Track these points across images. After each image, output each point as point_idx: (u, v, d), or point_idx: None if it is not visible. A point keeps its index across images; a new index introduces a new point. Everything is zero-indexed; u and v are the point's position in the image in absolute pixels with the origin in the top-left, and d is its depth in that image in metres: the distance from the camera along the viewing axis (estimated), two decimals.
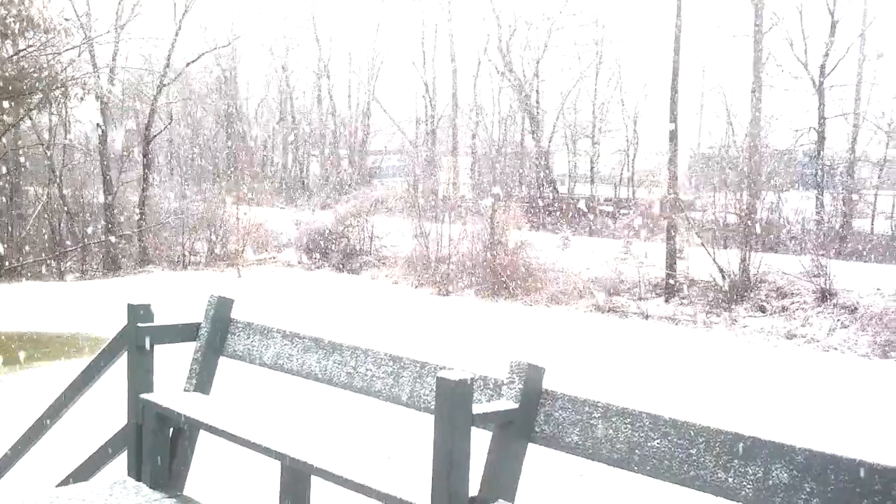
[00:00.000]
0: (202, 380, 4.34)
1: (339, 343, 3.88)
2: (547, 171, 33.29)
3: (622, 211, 30.43)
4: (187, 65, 30.53)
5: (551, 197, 32.64)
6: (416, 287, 20.68)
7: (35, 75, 15.36)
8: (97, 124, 26.84)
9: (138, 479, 4.25)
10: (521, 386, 3.06)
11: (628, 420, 2.81)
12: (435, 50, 37.30)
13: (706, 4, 24.25)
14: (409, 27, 37.88)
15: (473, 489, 2.93)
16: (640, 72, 34.47)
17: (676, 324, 16.63)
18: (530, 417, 3.05)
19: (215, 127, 41.16)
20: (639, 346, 14.00)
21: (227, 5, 33.01)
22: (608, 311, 17.54)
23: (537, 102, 34.41)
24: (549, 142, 34.87)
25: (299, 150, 44.00)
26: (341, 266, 23.34)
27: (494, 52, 34.33)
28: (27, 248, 25.37)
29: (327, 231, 24.03)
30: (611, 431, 2.85)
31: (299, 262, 24.35)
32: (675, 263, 18.36)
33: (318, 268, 23.68)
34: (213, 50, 32.64)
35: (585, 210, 30.32)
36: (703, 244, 18.12)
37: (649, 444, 2.73)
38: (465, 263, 20.50)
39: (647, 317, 17.04)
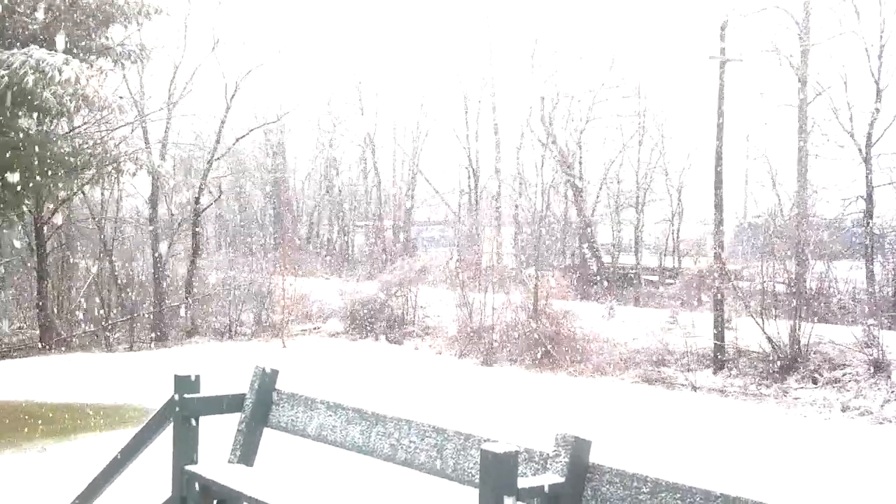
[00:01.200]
0: (246, 451, 4.34)
1: (383, 414, 3.86)
2: (591, 241, 33.22)
3: (668, 280, 30.15)
4: (237, 140, 31.28)
5: (595, 267, 32.49)
6: (460, 357, 20.58)
7: (89, 151, 15.79)
8: (148, 199, 27.50)
9: None
10: (567, 459, 3.01)
11: (678, 496, 2.74)
12: (478, 122, 37.82)
13: (749, 72, 24.28)
14: (453, 100, 38.50)
15: None
16: (684, 140, 34.48)
17: (726, 396, 16.27)
18: (577, 492, 2.99)
19: (263, 200, 41.92)
20: (687, 419, 13.69)
21: (275, 81, 33.85)
22: (655, 383, 17.24)
23: (580, 173, 34.54)
24: (593, 211, 34.87)
25: (344, 222, 44.53)
26: (385, 336, 23.37)
27: (537, 123, 34.69)
28: (78, 319, 25.80)
29: (371, 301, 24.13)
30: None
31: (344, 333, 24.42)
32: (723, 333, 18.05)
33: (362, 338, 23.72)
34: (262, 126, 33.46)
35: (630, 280, 30.08)
36: (751, 314, 17.82)
37: None
38: (508, 334, 20.39)
39: (695, 388, 16.70)
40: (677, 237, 34.75)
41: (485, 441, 3.19)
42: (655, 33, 35.92)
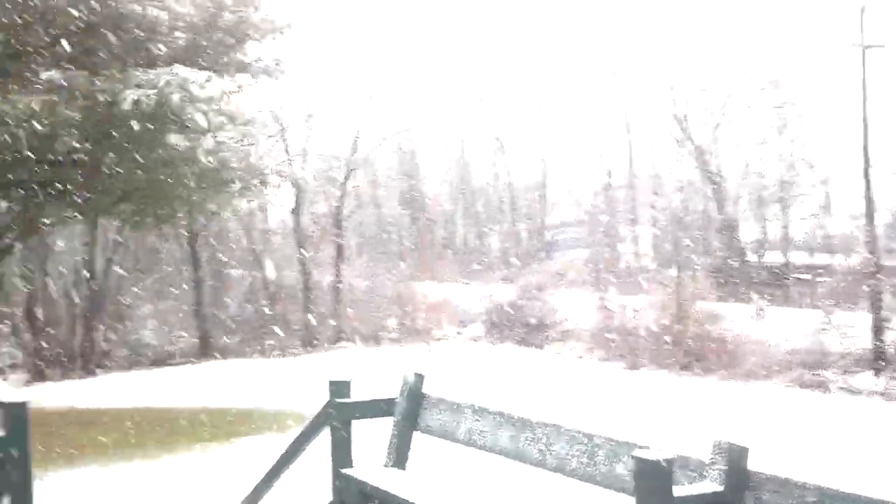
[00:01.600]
0: (399, 455, 4.46)
1: (530, 419, 3.87)
2: (733, 239, 32.07)
3: (818, 278, 28.75)
4: (372, 149, 32.03)
5: (740, 265, 31.34)
6: (602, 361, 20.31)
7: (234, 165, 16.55)
8: (292, 209, 28.53)
9: None
10: (724, 467, 2.94)
11: None
12: (610, 120, 37.26)
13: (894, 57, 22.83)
14: (585, 100, 38.07)
15: None
16: (828, 131, 32.78)
17: (889, 399, 15.37)
18: (737, 501, 2.91)
19: (399, 206, 42.71)
20: (848, 424, 13.02)
21: (408, 88, 34.42)
22: (811, 386, 16.47)
23: (718, 168, 33.43)
24: (734, 208, 33.67)
25: (479, 226, 44.78)
26: (524, 340, 23.34)
27: (671, 119, 33.82)
28: (232, 327, 27.06)
29: (510, 305, 24.16)
30: None
31: (484, 337, 24.57)
32: (882, 333, 17.06)
33: (501, 342, 23.79)
34: (396, 133, 34.10)
35: (778, 278, 28.87)
36: None
37: None
38: (652, 337, 19.96)
39: (854, 392, 15.85)
40: (826, 232, 33.08)
41: (637, 448, 3.15)
42: (793, 21, 34.28)
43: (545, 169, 41.37)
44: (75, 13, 11.85)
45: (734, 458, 2.96)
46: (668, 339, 19.42)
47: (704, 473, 3.02)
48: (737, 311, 21.35)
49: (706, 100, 33.31)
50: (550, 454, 3.71)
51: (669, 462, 2.78)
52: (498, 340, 23.94)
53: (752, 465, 3.02)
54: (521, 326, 23.68)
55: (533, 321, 23.68)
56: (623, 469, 3.36)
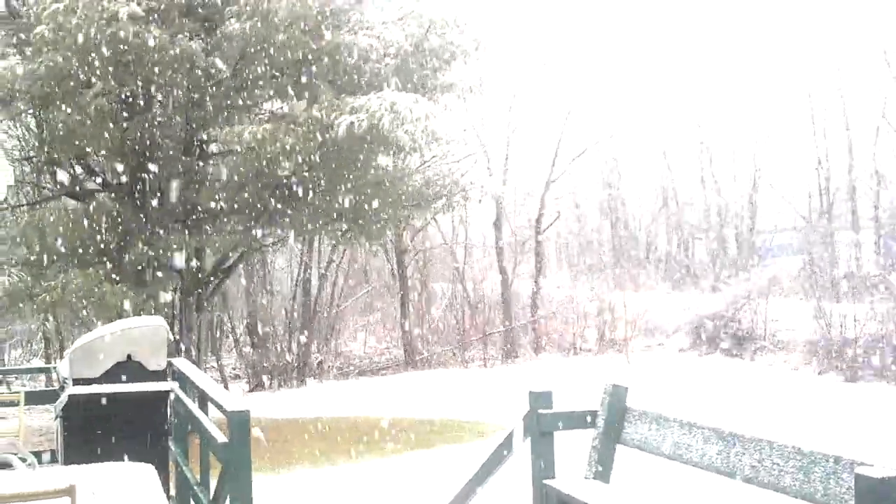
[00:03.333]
0: (602, 467, 4.41)
1: (741, 434, 3.72)
2: None
3: None
4: (572, 160, 31.91)
5: None
6: (819, 374, 19.09)
7: (439, 183, 17.04)
8: (493, 223, 28.95)
9: None
10: None
11: None
12: (826, 118, 35.05)
13: None
14: (797, 98, 36.06)
15: None
16: None
17: None
18: None
19: (599, 217, 42.23)
20: None
21: (608, 98, 34.07)
22: None
23: None
24: None
25: (683, 234, 43.41)
26: (734, 352, 22.35)
27: (894, 116, 31.35)
28: (436, 339, 27.81)
29: (717, 315, 23.24)
30: None
31: (689, 348, 23.78)
32: None
33: (708, 354, 22.92)
34: (596, 144, 33.79)
35: None
36: None
37: None
38: (874, 346, 18.53)
39: None
40: None
41: (859, 465, 2.95)
42: None
43: (756, 172, 39.54)
44: (294, 44, 12.68)
45: None
46: (892, 349, 17.96)
47: None
48: None
49: None
50: (763, 469, 3.55)
51: (894, 481, 2.59)
52: (705, 352, 23.08)
53: None
54: (729, 337, 22.71)
55: (742, 331, 22.64)
56: (842, 487, 3.16)
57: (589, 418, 4.55)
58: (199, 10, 13.68)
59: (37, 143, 14.91)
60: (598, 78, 29.87)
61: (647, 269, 37.75)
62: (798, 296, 21.99)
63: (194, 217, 14.32)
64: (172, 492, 6.50)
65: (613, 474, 4.44)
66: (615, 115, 35.72)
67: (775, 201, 39.15)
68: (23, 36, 13.18)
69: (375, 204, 14.11)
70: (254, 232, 14.52)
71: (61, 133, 13.07)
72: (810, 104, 35.32)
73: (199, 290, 15.02)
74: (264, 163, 12.61)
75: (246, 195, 13.77)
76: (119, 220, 13.47)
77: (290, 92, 13.39)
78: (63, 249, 13.11)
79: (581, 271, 30.82)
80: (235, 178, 13.64)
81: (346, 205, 13.85)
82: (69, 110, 12.57)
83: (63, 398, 6.55)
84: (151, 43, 11.86)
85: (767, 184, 39.01)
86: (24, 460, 5.68)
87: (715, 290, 26.89)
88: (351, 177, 13.59)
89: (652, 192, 45.61)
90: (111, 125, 12.77)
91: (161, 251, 13.15)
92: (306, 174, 13.33)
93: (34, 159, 15.54)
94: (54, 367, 11.02)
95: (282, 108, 14.57)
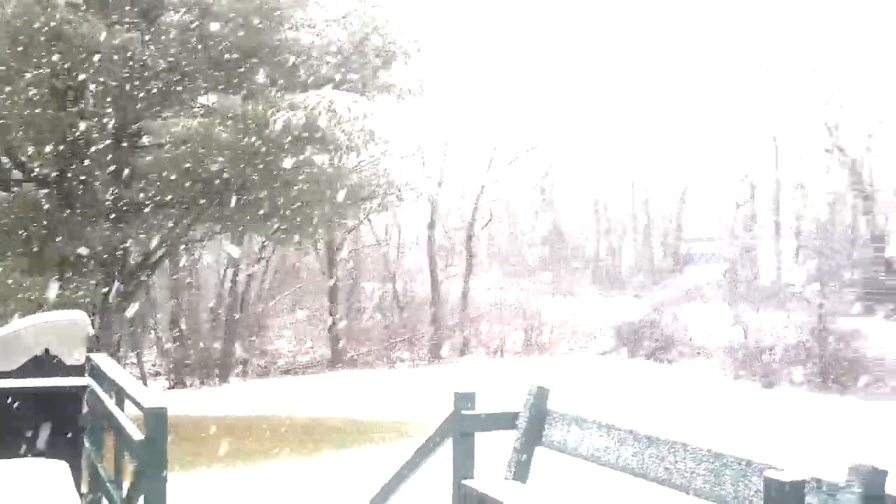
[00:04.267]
0: (521, 469, 4.46)
1: (656, 436, 3.80)
2: (882, 254, 30.33)
3: None
4: (507, 164, 32.15)
5: (887, 281, 29.59)
6: (735, 379, 19.63)
7: (374, 182, 17.00)
8: (427, 223, 28.99)
9: None
10: (860, 490, 2.80)
11: None
12: (754, 131, 36.02)
13: None
14: (726, 108, 36.97)
15: None
16: None
17: None
18: None
19: (531, 220, 42.66)
20: None
21: (544, 103, 34.43)
22: None
23: (870, 180, 31.74)
24: (886, 221, 31.86)
25: (612, 240, 44.18)
26: (654, 356, 22.83)
27: (821, 129, 32.38)
28: (363, 338, 27.71)
29: (640, 320, 23.70)
30: None
31: (611, 352, 24.19)
32: None
33: (630, 357, 23.36)
34: (531, 149, 34.10)
35: None
36: None
37: None
38: (789, 354, 19.14)
39: None
40: None
41: (768, 468, 3.05)
42: None
43: (684, 181, 40.47)
44: (234, 39, 12.50)
45: (872, 482, 2.82)
46: (806, 356, 18.58)
47: (838, 497, 2.89)
48: (882, 328, 20.21)
49: (859, 108, 31.75)
50: (676, 472, 3.64)
51: (801, 484, 2.68)
52: (626, 356, 23.52)
53: (893, 489, 2.87)
54: (650, 342, 23.19)
55: (664, 337, 23.14)
56: (752, 490, 3.26)
57: (511, 420, 4.59)
58: (139, 1, 13.39)
59: None
60: (534, 84, 30.18)
61: (575, 274, 38.29)
62: (719, 303, 22.56)
63: (122, 210, 13.99)
64: (85, 489, 6.35)
65: (532, 476, 4.49)
66: (550, 122, 36.12)
67: (702, 210, 40.12)
68: None
69: (309, 202, 13.99)
70: (182, 227, 14.25)
71: None
72: (738, 115, 36.24)
73: (123, 285, 14.68)
74: (196, 157, 12.39)
75: (176, 189, 13.51)
76: (44, 211, 13.09)
77: (227, 87, 13.20)
78: None
79: (511, 274, 31.06)
80: (166, 172, 13.37)
81: (280, 202, 13.70)
82: (1, 97, 12.17)
83: None
84: (88, 31, 11.56)
85: (694, 193, 39.98)
86: None
87: (639, 296, 27.43)
88: (285, 174, 13.46)
89: (583, 198, 46.30)
90: (43, 114, 12.40)
91: (86, 244, 12.82)
92: (239, 170, 13.16)
93: None
94: None
95: (218, 102, 14.36)
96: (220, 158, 12.52)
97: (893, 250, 31.60)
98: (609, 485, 5.99)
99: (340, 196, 14.47)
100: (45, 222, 13.09)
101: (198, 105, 14.81)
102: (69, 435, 6.34)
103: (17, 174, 14.41)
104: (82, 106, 13.25)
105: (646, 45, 44.55)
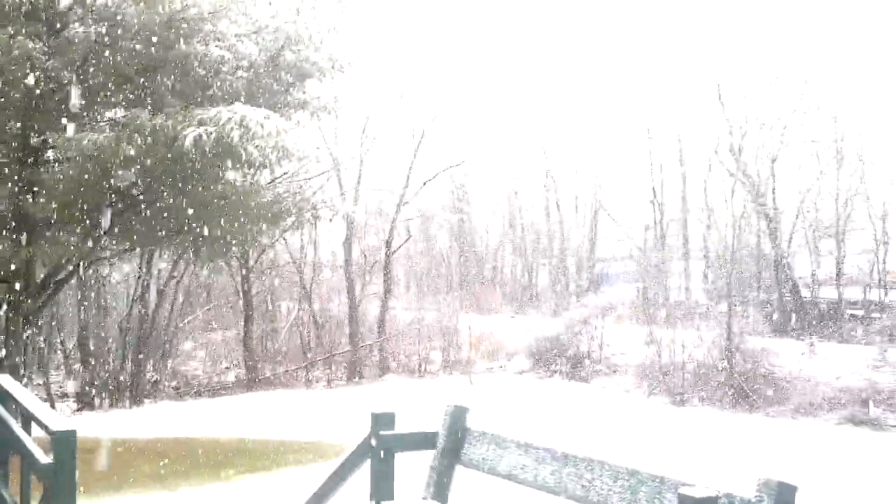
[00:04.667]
0: (439, 488, 4.44)
1: (574, 454, 3.83)
2: (787, 274, 31.53)
3: (874, 314, 28.09)
4: (424, 184, 32.24)
5: (793, 301, 30.78)
6: (649, 396, 20.04)
7: (289, 200, 16.80)
8: (343, 242, 28.80)
9: None
10: None
11: None
12: (663, 154, 37.09)
13: None
14: (636, 133, 38.01)
15: None
16: (887, 165, 32.18)
17: None
18: None
19: (449, 240, 42.89)
20: None
21: (460, 126, 34.79)
22: (862, 424, 16.05)
23: (773, 202, 32.99)
24: (789, 243, 33.15)
25: (528, 260, 44.74)
26: (571, 374, 23.15)
27: (726, 153, 33.53)
28: (279, 358, 27.31)
29: (556, 339, 24.01)
30: None
31: (529, 370, 24.43)
32: None
33: (548, 376, 23.62)
34: (447, 169, 34.30)
35: (832, 315, 28.25)
36: None
37: None
38: (700, 372, 19.66)
39: None
40: (883, 268, 32.33)
41: (681, 485, 3.11)
42: (852, 52, 33.88)
43: (596, 203, 41.31)
44: (142, 51, 12.21)
45: (781, 497, 2.91)
46: (716, 374, 19.12)
47: None
48: (788, 347, 20.95)
49: (763, 133, 33.01)
50: (593, 490, 3.68)
51: (714, 500, 2.74)
52: (544, 374, 23.78)
53: (801, 503, 2.96)
54: (566, 360, 23.51)
55: (579, 355, 23.49)
56: None
57: (430, 439, 4.58)
58: (42, 13, 12.97)
59: None
60: (451, 104, 30.44)
61: (492, 293, 38.60)
62: (632, 322, 23.03)
63: (26, 226, 13.47)
64: None
65: (452, 495, 4.48)
66: (467, 142, 36.48)
67: (614, 231, 41.03)
68: None
69: (222, 220, 13.72)
70: (90, 244, 13.80)
71: None
72: (648, 139, 37.27)
73: (29, 303, 14.11)
74: (103, 172, 12.04)
75: (83, 205, 13.08)
76: None
77: (135, 101, 12.88)
78: None
79: (429, 293, 31.11)
80: (73, 186, 12.93)
81: (191, 219, 13.40)
82: None
83: None
84: None
85: (607, 214, 40.86)
86: None
87: (555, 315, 27.80)
88: (197, 191, 13.18)
89: (499, 218, 46.84)
90: None
91: None
92: (149, 186, 12.82)
93: None
94: None
95: (126, 116, 13.99)
96: (129, 174, 12.18)
97: (799, 272, 32.86)
98: (527, 502, 6.02)
99: (254, 214, 14.24)
100: None
101: (105, 119, 14.40)
102: None
103: None
104: None
105: (558, 67, 45.47)
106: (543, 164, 42.12)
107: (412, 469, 4.85)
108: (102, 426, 16.67)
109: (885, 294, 30.64)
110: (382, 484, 4.47)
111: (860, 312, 29.58)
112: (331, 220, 19.48)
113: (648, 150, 37.30)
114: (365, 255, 30.73)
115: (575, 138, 40.34)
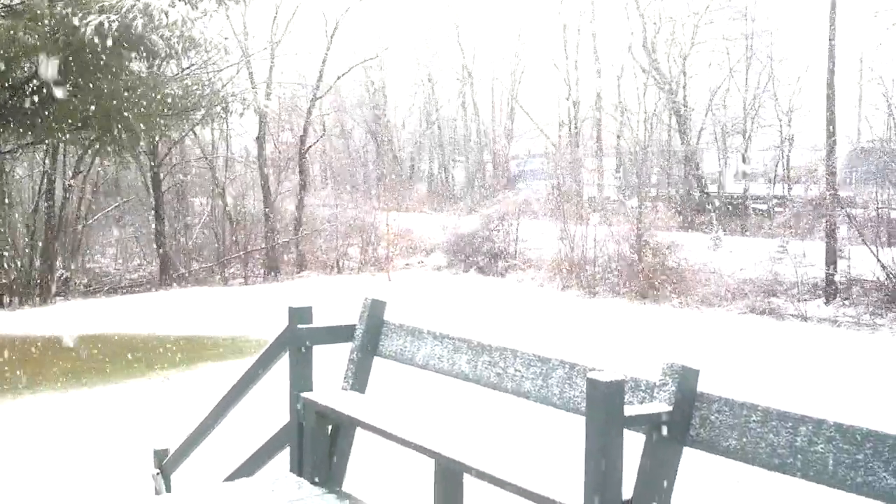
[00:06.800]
0: (358, 379, 4.51)
1: (488, 344, 3.92)
2: (695, 170, 32.32)
3: (777, 209, 29.17)
4: (338, 78, 31.53)
5: (700, 196, 31.67)
6: (562, 289, 20.57)
7: (198, 92, 16.25)
8: (256, 137, 28.14)
9: (299, 475, 4.44)
10: (674, 388, 3.01)
11: (789, 424, 2.72)
12: (577, 51, 36.99)
13: None
14: (551, 30, 37.71)
15: (627, 492, 2.91)
16: (794, 63, 32.82)
17: (838, 326, 15.82)
18: (685, 420, 3.00)
19: (365, 136, 42.35)
20: (798, 350, 13.40)
21: (374, 19, 33.90)
22: (763, 314, 16.88)
23: (684, 100, 33.49)
24: (698, 140, 33.85)
25: (445, 157, 44.62)
26: (487, 269, 23.52)
27: (639, 50, 33.68)
28: (194, 255, 26.91)
29: (473, 235, 24.26)
30: (771, 436, 2.76)
31: (446, 266, 24.70)
32: (835, 263, 17.45)
33: (465, 271, 23.95)
34: (362, 63, 33.58)
35: (738, 209, 29.22)
36: (864, 242, 17.14)
37: (812, 449, 2.63)
38: (611, 265, 20.23)
39: (805, 319, 16.28)
40: (787, 164, 33.40)
41: (590, 370, 3.21)
42: None
43: (512, 101, 41.19)
44: None
45: (684, 380, 3.03)
46: (626, 268, 19.70)
47: (655, 394, 3.09)
48: (696, 240, 21.67)
49: (676, 30, 33.18)
50: (507, 377, 3.78)
51: (620, 383, 2.84)
52: (461, 270, 24.10)
53: (703, 387, 3.09)
54: (483, 256, 23.84)
55: (495, 251, 23.83)
56: (577, 391, 3.44)
57: (347, 332, 4.62)
58: None
59: None
60: None
61: (410, 189, 38.51)
62: (547, 218, 23.38)
63: None
64: None
65: (370, 386, 4.56)
66: (382, 35, 35.64)
67: (529, 128, 41.13)
68: None
69: (127, 112, 13.21)
70: None
71: None
72: (564, 34, 37.02)
73: None
74: (1, 64, 11.38)
75: None
76: None
77: None
78: None
79: (346, 190, 30.85)
80: None
81: (95, 111, 12.86)
82: None
83: None
84: None
85: (523, 111, 40.84)
86: None
87: (472, 212, 27.99)
88: (100, 82, 12.61)
89: (416, 115, 46.32)
90: None
91: None
92: (50, 76, 12.19)
93: None
94: None
95: (23, 2, 13.15)
96: (28, 64, 11.57)
97: (707, 168, 33.70)
98: (444, 391, 6.19)
99: (162, 106, 13.76)
100: None
101: (1, 5, 13.53)
102: None
103: None
104: None
105: None
106: (460, 59, 41.59)
107: (332, 365, 4.91)
108: (12, 324, 16.29)
109: (789, 189, 31.75)
110: (301, 376, 4.51)
111: (764, 207, 30.66)
112: (242, 114, 18.90)
113: (563, 47, 37.13)
114: (279, 151, 30.15)
115: (491, 32, 39.86)
